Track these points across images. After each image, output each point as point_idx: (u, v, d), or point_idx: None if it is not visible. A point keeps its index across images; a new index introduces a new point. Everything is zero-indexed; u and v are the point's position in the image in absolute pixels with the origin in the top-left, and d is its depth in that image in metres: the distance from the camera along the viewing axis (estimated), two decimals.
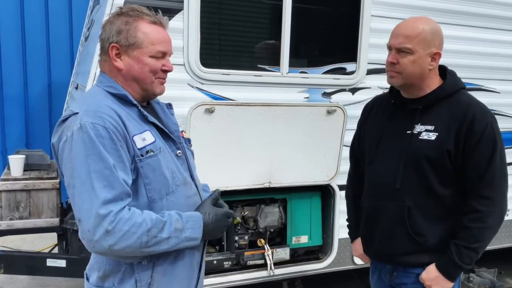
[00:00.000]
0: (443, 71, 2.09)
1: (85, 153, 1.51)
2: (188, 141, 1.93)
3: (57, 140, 1.61)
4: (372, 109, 2.27)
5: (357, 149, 2.34)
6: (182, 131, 1.91)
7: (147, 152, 1.62)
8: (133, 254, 1.59)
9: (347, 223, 2.44)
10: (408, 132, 2.03)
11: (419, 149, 1.99)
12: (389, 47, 2.02)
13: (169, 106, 1.89)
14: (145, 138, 1.64)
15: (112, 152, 1.53)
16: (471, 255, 1.95)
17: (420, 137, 2.00)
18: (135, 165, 1.60)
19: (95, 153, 1.51)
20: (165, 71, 1.72)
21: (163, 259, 1.68)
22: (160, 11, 1.73)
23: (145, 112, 1.68)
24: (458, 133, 1.94)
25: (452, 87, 2.04)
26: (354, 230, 2.38)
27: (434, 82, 2.04)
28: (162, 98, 1.89)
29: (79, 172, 1.51)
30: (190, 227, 1.64)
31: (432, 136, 1.98)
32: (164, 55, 1.70)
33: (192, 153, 1.93)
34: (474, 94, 2.13)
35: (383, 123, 2.15)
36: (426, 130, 2.00)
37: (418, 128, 2.02)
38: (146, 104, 1.80)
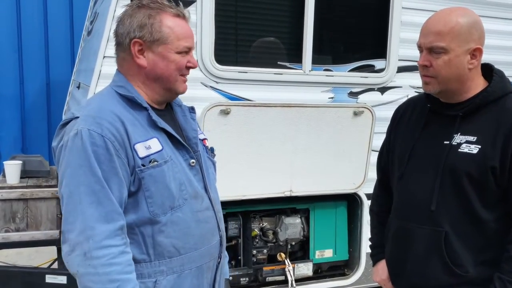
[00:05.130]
0: (489, 71, 1.87)
1: (77, 163, 1.48)
2: (211, 150, 1.88)
3: (57, 144, 1.59)
4: (405, 114, 2.05)
5: (385, 160, 2.13)
6: (205, 139, 1.85)
7: (150, 161, 1.56)
8: None
9: (370, 242, 2.26)
10: (445, 142, 1.83)
11: (458, 164, 1.78)
12: (419, 47, 1.82)
13: (192, 110, 1.83)
14: (150, 146, 1.58)
15: (106, 164, 1.49)
16: None
17: (459, 150, 1.79)
18: (136, 176, 1.55)
19: (87, 165, 1.47)
20: (189, 68, 1.68)
21: (165, 278, 1.63)
22: (181, 3, 1.70)
23: (154, 117, 1.62)
24: (505, 147, 1.72)
25: (499, 91, 1.81)
26: (378, 252, 2.18)
27: (477, 85, 1.83)
28: None
29: (68, 182, 1.49)
30: None
31: (474, 149, 1.76)
32: (189, 50, 1.66)
33: (214, 164, 1.87)
34: None
35: (416, 131, 1.94)
36: (467, 142, 1.78)
37: (458, 138, 1.81)
38: (164, 106, 1.74)
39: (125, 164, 1.52)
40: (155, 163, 1.56)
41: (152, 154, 1.56)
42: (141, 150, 1.55)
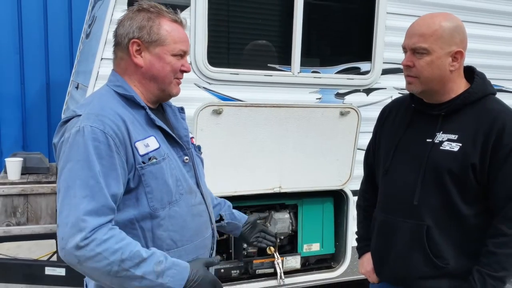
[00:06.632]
0: (471, 73, 1.90)
1: (76, 158, 1.48)
2: (198, 148, 1.91)
3: (57, 141, 1.60)
4: (390, 114, 2.09)
5: (371, 157, 2.17)
6: (192, 137, 1.87)
7: (149, 159, 1.58)
8: (99, 279, 1.53)
9: (356, 236, 2.29)
10: (428, 140, 1.87)
11: (440, 161, 1.82)
12: (404, 48, 1.86)
13: (181, 110, 1.85)
14: (148, 144, 1.60)
15: (106, 159, 1.50)
16: (497, 284, 1.76)
17: (441, 147, 1.82)
18: (136, 173, 1.56)
19: (85, 159, 1.47)
20: (183, 71, 1.71)
21: None
22: (178, 9, 1.73)
23: (152, 116, 1.64)
24: (485, 145, 1.76)
25: (479, 92, 1.85)
26: (363, 245, 2.21)
27: (458, 86, 1.86)
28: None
29: (66, 176, 1.49)
30: (171, 276, 1.53)
31: (455, 146, 1.80)
32: (184, 54, 1.69)
33: (202, 160, 1.90)
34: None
35: (401, 129, 1.98)
36: (449, 140, 1.82)
37: (440, 136, 1.85)
38: (156, 106, 1.76)
39: (123, 162, 1.53)
40: (155, 160, 1.58)
41: (151, 152, 1.58)
42: (141, 148, 1.57)
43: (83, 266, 1.46)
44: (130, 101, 1.63)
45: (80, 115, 1.54)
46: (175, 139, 1.70)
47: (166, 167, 1.61)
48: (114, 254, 1.45)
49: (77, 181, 1.46)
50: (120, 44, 1.65)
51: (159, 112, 1.75)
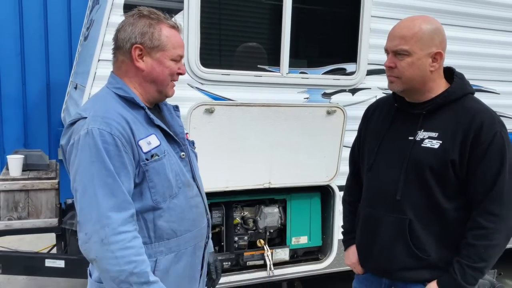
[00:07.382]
0: (451, 73, 1.96)
1: (89, 160, 1.54)
2: (192, 143, 1.97)
3: (65, 142, 1.65)
4: (374, 112, 2.15)
5: (357, 154, 2.23)
6: (187, 133, 1.94)
7: (152, 156, 1.64)
8: (104, 281, 1.58)
9: (342, 229, 2.34)
10: (410, 138, 1.92)
11: (421, 158, 1.87)
12: (386, 50, 1.92)
13: (176, 108, 1.92)
14: (150, 142, 1.66)
15: (116, 159, 1.56)
16: (476, 275, 1.82)
17: (422, 145, 1.87)
18: (141, 169, 1.63)
19: (99, 160, 1.53)
20: (179, 74, 1.78)
21: (164, 257, 1.73)
22: (174, 16, 1.79)
23: (151, 116, 1.71)
24: (464, 142, 1.81)
25: (458, 91, 1.90)
26: (349, 238, 2.26)
27: (439, 86, 1.92)
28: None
29: (82, 177, 1.55)
30: None
31: (436, 144, 1.85)
32: (181, 58, 1.77)
33: (196, 155, 1.96)
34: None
35: (384, 127, 2.03)
36: (429, 137, 1.87)
37: (421, 134, 1.90)
38: (153, 105, 1.82)
39: (131, 159, 1.59)
40: (157, 157, 1.65)
41: (153, 149, 1.65)
42: (144, 146, 1.63)
43: (97, 263, 1.54)
44: (130, 102, 1.69)
45: (85, 118, 1.60)
46: (172, 137, 1.77)
47: (167, 163, 1.68)
48: (128, 265, 1.52)
49: (95, 180, 1.53)
50: (122, 48, 1.71)
51: (156, 111, 1.82)
